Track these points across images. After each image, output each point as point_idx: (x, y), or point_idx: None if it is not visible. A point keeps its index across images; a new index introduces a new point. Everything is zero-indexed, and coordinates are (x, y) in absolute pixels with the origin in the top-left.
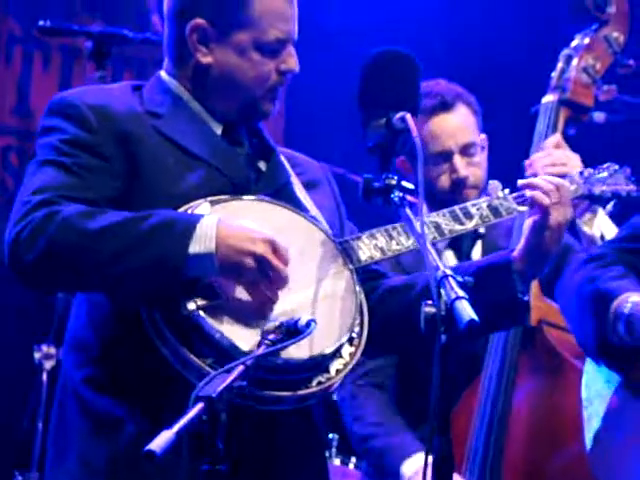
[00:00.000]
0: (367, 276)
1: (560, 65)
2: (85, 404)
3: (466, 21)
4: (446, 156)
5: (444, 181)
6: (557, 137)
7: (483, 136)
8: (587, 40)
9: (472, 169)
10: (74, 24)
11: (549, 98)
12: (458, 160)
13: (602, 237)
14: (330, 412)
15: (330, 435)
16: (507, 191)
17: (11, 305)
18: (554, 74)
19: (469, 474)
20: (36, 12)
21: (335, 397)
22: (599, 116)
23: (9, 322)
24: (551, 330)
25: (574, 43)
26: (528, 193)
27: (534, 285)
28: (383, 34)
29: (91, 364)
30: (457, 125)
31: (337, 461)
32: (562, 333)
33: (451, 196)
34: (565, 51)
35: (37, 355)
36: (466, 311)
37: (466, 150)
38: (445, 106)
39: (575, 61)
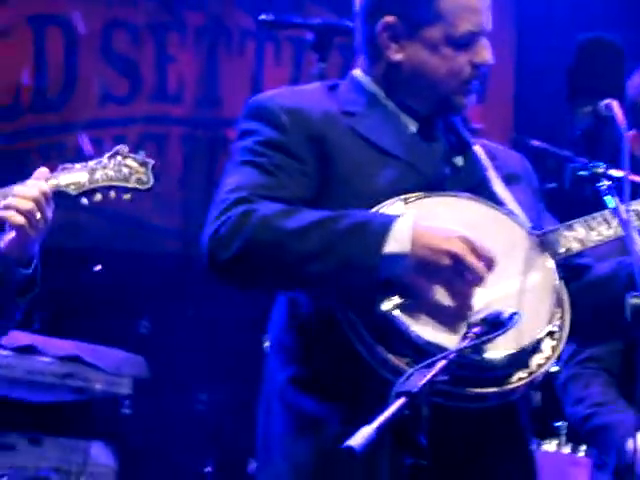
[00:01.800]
0: (570, 268)
1: None
2: (289, 404)
3: None
4: None
5: None
6: None
7: None
8: None
9: None
10: (300, 16)
11: None
12: None
13: None
14: (557, 400)
15: (559, 423)
16: None
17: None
18: None
19: None
20: (265, 4)
21: (560, 378)
22: None
23: (239, 311)
24: None
25: None
26: None
27: None
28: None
29: (293, 364)
30: None
31: (567, 449)
32: None
33: None
34: None
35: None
36: None
37: None
38: None
39: None
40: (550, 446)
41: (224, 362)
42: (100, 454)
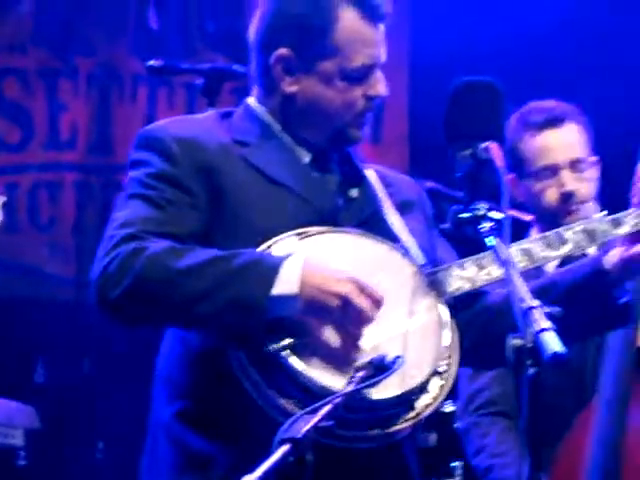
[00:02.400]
0: (462, 299)
1: None
2: (176, 439)
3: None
4: (553, 170)
5: (551, 195)
6: None
7: (594, 158)
8: None
9: (581, 184)
10: (191, 62)
11: None
12: (566, 174)
13: None
14: (453, 440)
15: (455, 463)
16: (604, 213)
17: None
18: None
19: None
20: (157, 50)
21: (459, 426)
22: None
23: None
24: None
25: None
26: None
27: None
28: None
29: (181, 399)
30: (566, 140)
31: None
32: None
33: (560, 210)
34: None
35: None
36: (551, 343)
37: (575, 165)
38: (554, 122)
39: None
40: None
41: (120, 409)
42: None
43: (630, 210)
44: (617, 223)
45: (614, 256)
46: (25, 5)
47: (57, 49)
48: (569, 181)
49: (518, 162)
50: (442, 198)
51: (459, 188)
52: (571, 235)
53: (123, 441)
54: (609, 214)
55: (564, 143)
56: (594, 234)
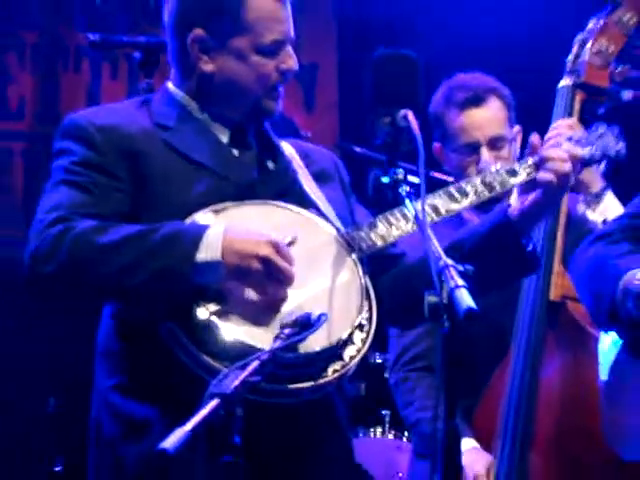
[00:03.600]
0: (381, 259)
1: (575, 49)
2: (115, 409)
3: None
4: (474, 148)
5: (471, 171)
6: (572, 119)
7: (517, 128)
8: (601, 23)
9: (499, 160)
10: (131, 35)
11: (564, 82)
12: (485, 152)
13: (605, 222)
14: (382, 390)
15: (383, 412)
16: (499, 165)
17: None
18: (569, 58)
19: (500, 449)
20: (101, 24)
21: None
22: (627, 94)
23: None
24: (574, 305)
25: (589, 27)
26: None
27: (557, 262)
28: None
29: (118, 372)
30: (486, 118)
31: (390, 435)
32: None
33: None
34: (579, 36)
35: None
36: (465, 300)
37: (494, 143)
38: (477, 100)
39: (589, 44)
40: (375, 433)
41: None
42: None
43: (526, 159)
44: (513, 173)
45: (514, 206)
46: None
47: (3, 24)
48: (488, 158)
49: (443, 134)
50: (369, 163)
51: (380, 153)
52: (471, 188)
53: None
54: None
55: (484, 121)
56: (492, 185)
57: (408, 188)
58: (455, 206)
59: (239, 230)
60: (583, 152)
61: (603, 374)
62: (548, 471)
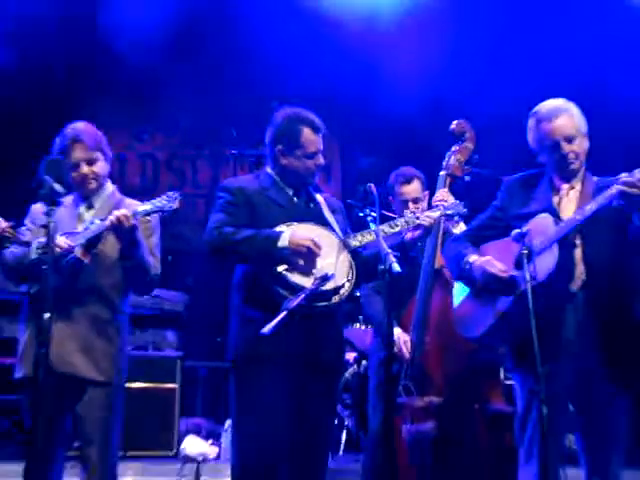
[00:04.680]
0: (356, 253)
1: (447, 158)
2: (241, 313)
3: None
4: (405, 202)
5: (405, 213)
6: (445, 190)
7: (426, 192)
8: (457, 147)
9: (417, 210)
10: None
11: (442, 173)
12: (411, 206)
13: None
14: (359, 308)
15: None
16: (416, 211)
17: None
18: (444, 161)
19: (413, 332)
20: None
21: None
22: (467, 178)
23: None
24: (445, 270)
25: (452, 149)
26: None
27: (438, 252)
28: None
29: (243, 292)
30: (414, 189)
31: (362, 327)
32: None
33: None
34: (448, 153)
35: None
36: (395, 267)
37: (416, 201)
38: (408, 179)
39: (452, 158)
40: (361, 325)
41: None
42: None
43: (402, 218)
44: (417, 218)
45: (407, 235)
46: None
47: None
48: (411, 207)
49: (393, 195)
50: (354, 207)
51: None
52: (400, 222)
53: None
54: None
55: (412, 191)
56: (408, 222)
57: (371, 218)
58: (393, 230)
59: (297, 233)
60: (446, 212)
61: (456, 301)
62: (435, 344)
